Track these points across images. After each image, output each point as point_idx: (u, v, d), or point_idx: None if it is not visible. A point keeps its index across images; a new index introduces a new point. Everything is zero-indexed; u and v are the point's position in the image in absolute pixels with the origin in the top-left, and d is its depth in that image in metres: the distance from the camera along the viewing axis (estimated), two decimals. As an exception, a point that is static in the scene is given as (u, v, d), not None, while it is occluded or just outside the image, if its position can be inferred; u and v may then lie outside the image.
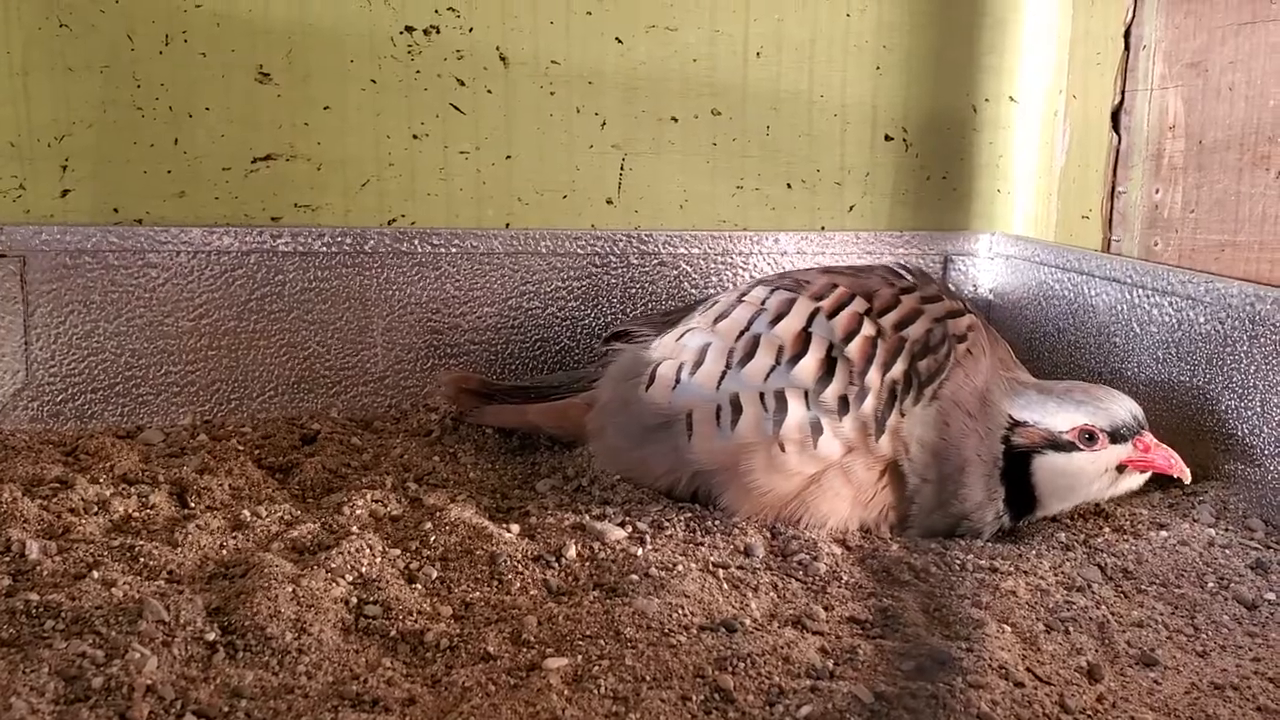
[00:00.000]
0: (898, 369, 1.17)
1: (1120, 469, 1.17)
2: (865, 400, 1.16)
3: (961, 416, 1.17)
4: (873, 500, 1.18)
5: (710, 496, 1.21)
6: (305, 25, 1.49)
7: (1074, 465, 1.16)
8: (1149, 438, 1.17)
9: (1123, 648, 0.95)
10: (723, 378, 1.20)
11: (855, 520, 1.18)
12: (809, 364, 1.17)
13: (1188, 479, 1.18)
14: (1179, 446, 1.30)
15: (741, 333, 1.22)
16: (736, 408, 1.17)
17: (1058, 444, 1.16)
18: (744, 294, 1.27)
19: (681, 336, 1.26)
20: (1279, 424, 1.20)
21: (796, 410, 1.16)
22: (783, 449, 1.15)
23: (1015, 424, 1.17)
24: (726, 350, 1.21)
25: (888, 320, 1.20)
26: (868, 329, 1.19)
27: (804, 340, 1.19)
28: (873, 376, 1.16)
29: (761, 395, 1.17)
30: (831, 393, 1.16)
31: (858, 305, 1.21)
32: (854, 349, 1.17)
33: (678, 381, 1.22)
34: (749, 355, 1.20)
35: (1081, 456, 1.16)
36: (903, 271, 1.31)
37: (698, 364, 1.22)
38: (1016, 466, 1.17)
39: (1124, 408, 1.17)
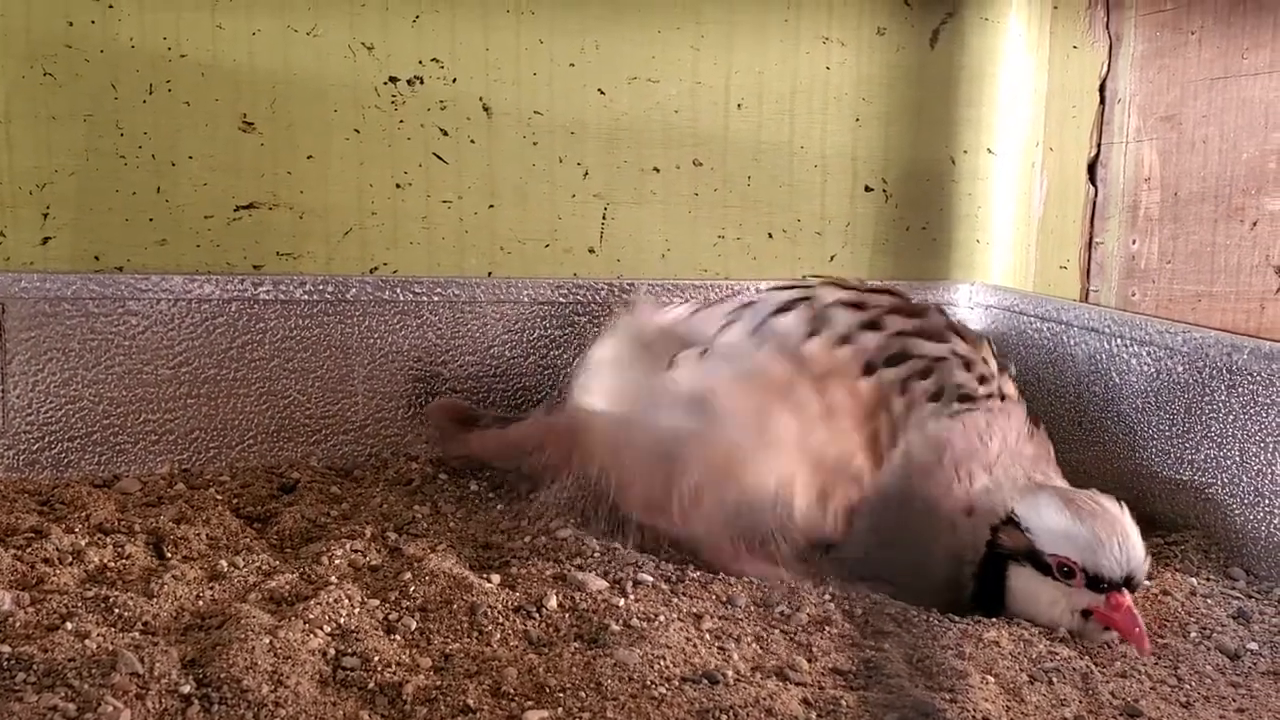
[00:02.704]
0: (913, 359, 1.16)
1: (1086, 614, 1.06)
2: (869, 337, 1.14)
3: (950, 472, 1.11)
4: (847, 436, 1.11)
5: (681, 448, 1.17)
6: (289, 75, 1.50)
7: (1043, 590, 1.07)
8: (1126, 598, 1.04)
9: (1106, 699, 0.95)
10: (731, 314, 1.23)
11: (815, 455, 1.11)
12: (832, 292, 1.20)
13: (1145, 653, 1.03)
14: (1158, 496, 1.31)
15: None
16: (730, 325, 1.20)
17: (1036, 560, 1.07)
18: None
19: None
20: (1258, 473, 1.21)
21: (792, 316, 1.16)
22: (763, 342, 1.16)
23: (1010, 521, 1.09)
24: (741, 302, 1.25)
25: (911, 323, 1.20)
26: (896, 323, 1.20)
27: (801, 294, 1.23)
28: (892, 320, 1.17)
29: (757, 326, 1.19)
30: (840, 319, 1.16)
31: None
32: (873, 301, 1.20)
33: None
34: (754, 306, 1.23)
35: (1052, 585, 1.07)
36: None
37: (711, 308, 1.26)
38: (994, 566, 1.09)
39: (1118, 559, 1.04)
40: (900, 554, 1.13)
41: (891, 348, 1.16)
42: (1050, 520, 1.07)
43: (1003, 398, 1.19)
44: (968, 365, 1.18)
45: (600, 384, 1.26)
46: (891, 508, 1.13)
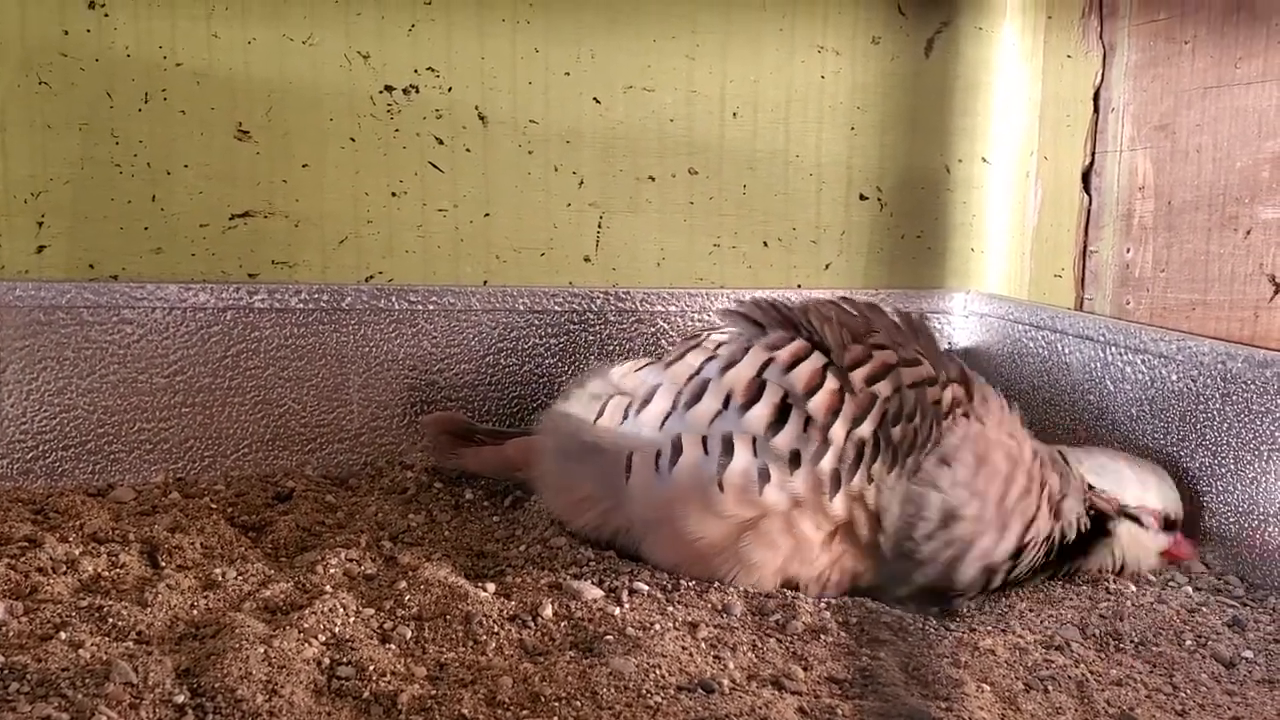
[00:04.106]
0: (866, 428, 1.13)
1: (1160, 554, 1.25)
2: (825, 456, 1.11)
3: (990, 475, 1.14)
4: (816, 561, 1.13)
5: (635, 544, 1.19)
6: (285, 83, 1.50)
7: (1142, 539, 1.23)
8: (1180, 534, 1.25)
9: (1102, 707, 0.95)
10: (667, 418, 1.18)
11: (792, 576, 1.14)
12: (761, 410, 1.14)
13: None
14: (1154, 504, 1.30)
15: (691, 376, 1.19)
16: (678, 449, 1.15)
17: (1129, 516, 1.22)
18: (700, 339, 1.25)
19: (639, 370, 1.25)
20: (1252, 481, 1.21)
21: (742, 456, 1.12)
22: (721, 489, 1.11)
23: (1090, 487, 1.22)
24: (675, 391, 1.19)
25: (857, 375, 1.15)
26: (831, 382, 1.14)
27: (757, 387, 1.15)
28: (836, 431, 1.12)
29: (704, 439, 1.14)
30: (783, 441, 1.12)
31: (817, 360, 1.16)
32: (817, 401, 1.13)
33: (625, 418, 1.21)
34: (696, 398, 1.17)
35: (1150, 535, 1.23)
36: (897, 325, 1.25)
37: (646, 402, 1.20)
38: (1093, 529, 1.21)
39: (1178, 501, 1.24)
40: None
41: (848, 452, 1.13)
42: (1125, 479, 1.23)
43: (972, 401, 1.20)
44: (929, 400, 1.17)
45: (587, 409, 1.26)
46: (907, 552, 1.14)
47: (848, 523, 1.13)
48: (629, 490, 1.17)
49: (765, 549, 1.13)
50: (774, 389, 1.15)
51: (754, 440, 1.13)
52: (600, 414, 1.22)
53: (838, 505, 1.12)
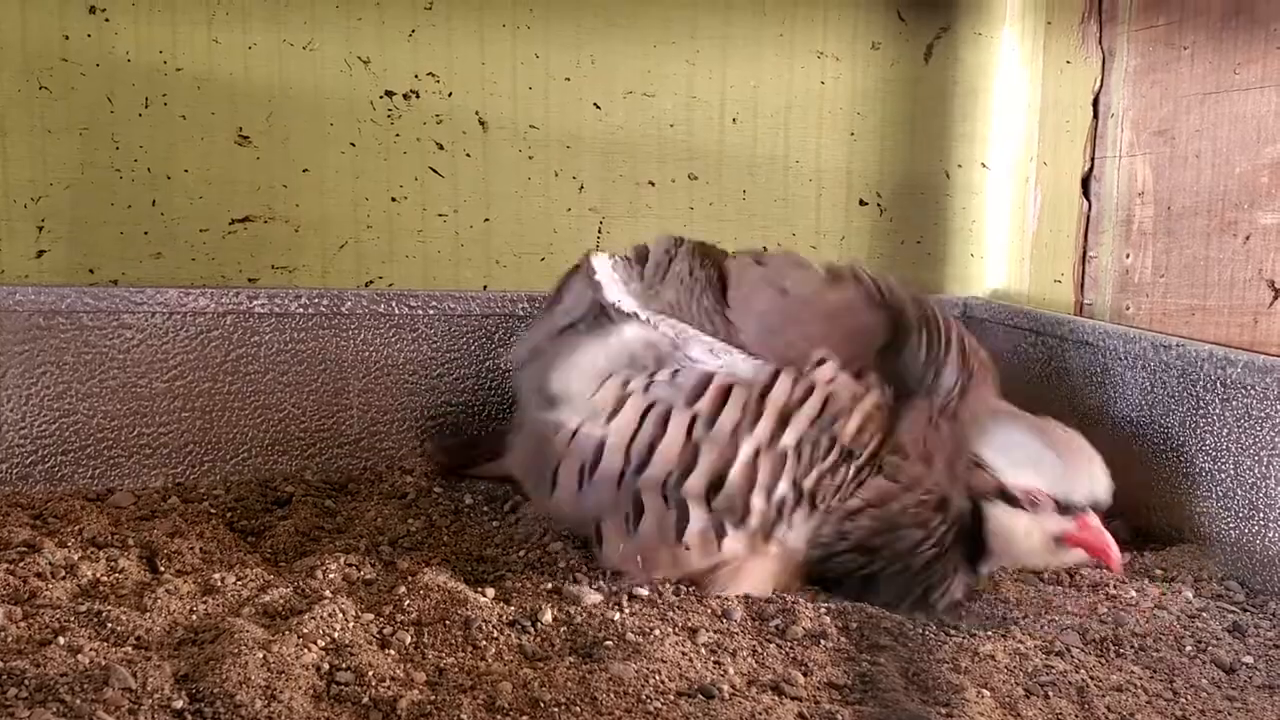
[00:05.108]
0: (782, 486, 1.12)
1: (1058, 540, 1.11)
2: (751, 520, 1.12)
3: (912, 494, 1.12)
4: (795, 573, 1.16)
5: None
6: (285, 88, 1.50)
7: (1017, 523, 1.11)
8: (1093, 519, 1.11)
9: (1102, 712, 0.95)
10: (622, 476, 1.15)
11: (777, 587, 1.16)
12: (696, 481, 1.12)
13: (1118, 571, 1.15)
14: (1153, 509, 1.31)
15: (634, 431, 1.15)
16: (639, 509, 1.14)
17: (1007, 496, 1.11)
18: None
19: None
20: (1252, 486, 1.21)
21: (698, 518, 1.13)
22: (687, 549, 1.13)
23: (979, 465, 1.12)
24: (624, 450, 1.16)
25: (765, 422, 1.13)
26: (746, 449, 1.12)
27: (693, 452, 1.13)
28: (756, 500, 1.12)
29: (665, 496, 1.14)
30: (724, 501, 1.12)
31: (733, 411, 1.12)
32: (736, 474, 1.12)
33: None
34: (645, 463, 1.14)
35: (1026, 517, 1.11)
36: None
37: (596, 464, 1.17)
38: (973, 514, 1.13)
39: (1084, 484, 1.11)
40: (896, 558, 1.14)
41: (770, 512, 1.12)
42: (1020, 455, 1.12)
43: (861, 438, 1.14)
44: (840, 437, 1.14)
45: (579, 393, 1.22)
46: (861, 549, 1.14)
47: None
48: (604, 554, 1.17)
49: (744, 575, 1.15)
50: (708, 451, 1.12)
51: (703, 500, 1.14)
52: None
53: (792, 539, 1.14)
